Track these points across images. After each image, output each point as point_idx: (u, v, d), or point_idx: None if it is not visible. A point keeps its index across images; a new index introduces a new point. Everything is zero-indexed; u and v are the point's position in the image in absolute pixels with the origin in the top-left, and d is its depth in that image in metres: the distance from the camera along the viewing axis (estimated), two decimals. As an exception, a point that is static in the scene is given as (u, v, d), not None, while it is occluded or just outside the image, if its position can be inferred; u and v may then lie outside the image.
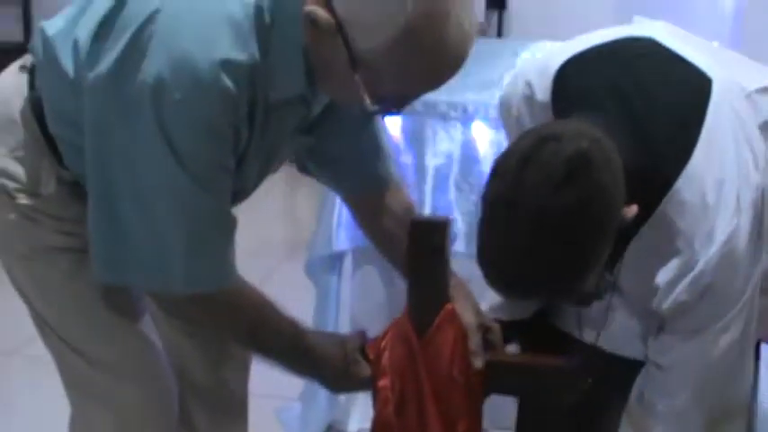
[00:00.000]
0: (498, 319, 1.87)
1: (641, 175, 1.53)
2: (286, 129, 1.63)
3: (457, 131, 2.67)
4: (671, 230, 1.58)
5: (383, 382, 1.73)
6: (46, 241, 1.68)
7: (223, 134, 1.46)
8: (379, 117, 1.84)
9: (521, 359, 1.84)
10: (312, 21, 1.41)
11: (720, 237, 1.55)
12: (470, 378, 1.71)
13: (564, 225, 1.44)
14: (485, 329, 1.75)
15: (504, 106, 1.87)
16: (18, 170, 1.66)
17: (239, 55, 1.42)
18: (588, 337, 1.88)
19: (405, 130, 2.73)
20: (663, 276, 1.61)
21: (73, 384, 1.78)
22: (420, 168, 2.72)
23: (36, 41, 1.61)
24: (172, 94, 1.39)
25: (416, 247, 1.72)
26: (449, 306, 1.73)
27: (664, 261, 1.60)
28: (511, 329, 1.91)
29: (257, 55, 1.44)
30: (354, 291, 2.81)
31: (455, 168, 2.68)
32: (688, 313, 1.61)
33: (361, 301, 2.79)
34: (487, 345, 1.74)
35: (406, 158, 2.74)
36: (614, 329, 1.85)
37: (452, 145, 2.69)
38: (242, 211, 1.63)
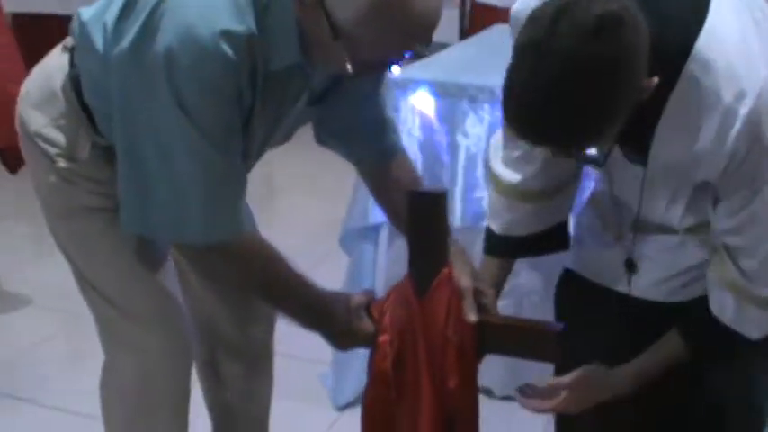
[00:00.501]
0: (514, 234, 2.00)
1: (662, 46, 1.56)
2: (288, 98, 1.80)
3: (485, 113, 2.80)
4: (700, 91, 1.60)
5: (383, 338, 1.87)
6: (82, 202, 1.88)
7: (227, 96, 1.64)
8: (382, 91, 2.00)
9: (509, 321, 1.96)
10: None
11: (755, 87, 1.58)
12: (463, 338, 1.85)
13: (589, 72, 1.47)
14: (479, 293, 1.87)
15: (517, 21, 1.89)
16: (58, 137, 1.87)
17: (237, 26, 1.60)
18: (629, 201, 1.90)
19: (438, 112, 2.88)
20: (706, 137, 1.62)
21: (104, 331, 1.99)
22: (453, 148, 2.86)
23: (74, 25, 1.81)
24: (180, 61, 1.59)
25: (415, 217, 1.86)
26: (446, 270, 1.86)
27: (698, 127, 1.62)
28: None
29: (254, 27, 1.62)
30: (390, 262, 2.93)
31: (484, 147, 2.81)
32: (741, 167, 1.62)
33: (396, 273, 2.93)
34: (481, 308, 1.86)
35: (440, 138, 2.89)
36: (652, 212, 1.88)
37: (481, 126, 2.83)
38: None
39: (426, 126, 2.89)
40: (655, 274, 1.94)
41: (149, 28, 1.62)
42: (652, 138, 1.69)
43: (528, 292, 2.87)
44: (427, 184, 2.72)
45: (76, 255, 1.96)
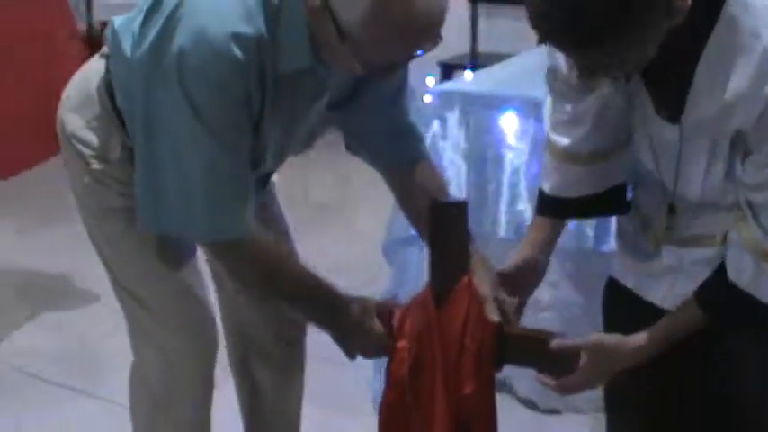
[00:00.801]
0: (563, 196, 1.99)
1: None
2: (302, 101, 1.84)
3: (529, 126, 2.82)
4: (739, 32, 1.58)
5: (402, 344, 1.91)
6: (112, 202, 1.96)
7: (236, 96, 1.70)
8: (404, 97, 2.03)
9: (527, 332, 1.98)
10: (307, 4, 1.64)
11: None
12: (481, 346, 1.88)
13: None
14: (500, 302, 1.89)
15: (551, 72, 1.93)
16: (92, 138, 1.95)
17: (247, 29, 1.66)
18: (666, 174, 1.86)
19: (484, 124, 2.90)
20: (743, 79, 1.59)
21: (132, 328, 2.06)
22: (497, 160, 2.88)
23: (108, 32, 1.89)
24: (191, 62, 1.65)
25: (436, 226, 1.90)
26: (465, 279, 1.90)
27: (736, 70, 1.59)
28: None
29: (264, 30, 1.68)
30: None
31: (527, 161, 2.83)
32: None
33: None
34: (503, 315, 1.88)
35: (485, 150, 2.91)
36: (689, 183, 1.83)
37: (526, 139, 2.84)
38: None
39: (472, 138, 2.91)
40: (691, 288, 1.89)
41: (167, 31, 1.69)
42: (689, 89, 1.67)
43: (569, 305, 2.88)
44: (470, 195, 2.76)
45: (107, 254, 2.04)
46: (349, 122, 2.02)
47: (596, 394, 2.69)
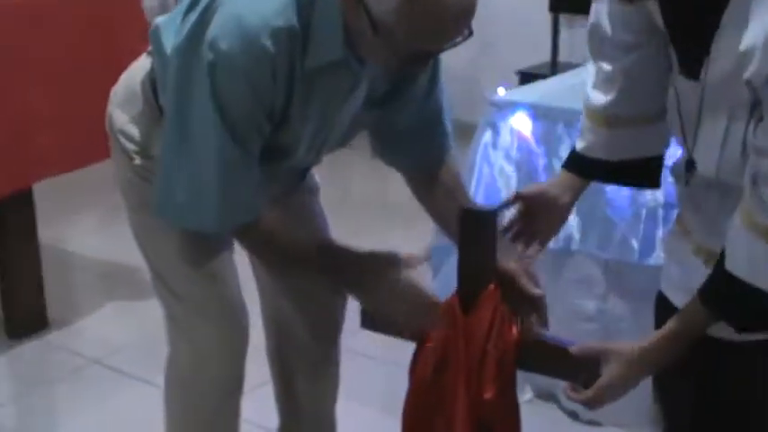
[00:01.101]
0: (592, 156, 2.01)
1: None
2: (336, 95, 1.88)
3: (579, 137, 2.83)
4: None
5: (429, 344, 1.95)
6: (149, 197, 2.00)
7: (259, 86, 1.75)
8: (436, 94, 2.08)
9: (550, 340, 1.99)
10: None
11: None
12: (505, 353, 1.91)
13: None
14: (535, 308, 1.93)
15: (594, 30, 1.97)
16: (136, 134, 2.02)
17: (279, 21, 1.71)
18: (689, 141, 1.84)
19: (535, 134, 2.92)
20: (758, 23, 1.56)
21: (167, 319, 2.14)
22: (548, 170, 2.90)
23: (151, 31, 1.96)
24: (221, 50, 1.71)
25: (465, 233, 1.93)
26: (492, 287, 1.93)
27: (758, 18, 1.57)
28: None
29: (296, 22, 1.72)
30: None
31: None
32: None
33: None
34: (526, 326, 1.91)
35: (537, 160, 2.93)
36: (707, 149, 1.79)
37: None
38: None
39: (524, 147, 2.94)
40: None
41: (203, 21, 1.75)
42: (712, 42, 1.66)
43: (616, 319, 2.88)
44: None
45: (146, 246, 2.11)
46: (383, 122, 2.06)
47: (637, 408, 2.71)
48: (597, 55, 1.97)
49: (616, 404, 2.72)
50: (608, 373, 1.78)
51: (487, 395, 1.89)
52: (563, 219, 2.14)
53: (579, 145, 2.06)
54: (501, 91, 3.32)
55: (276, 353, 2.38)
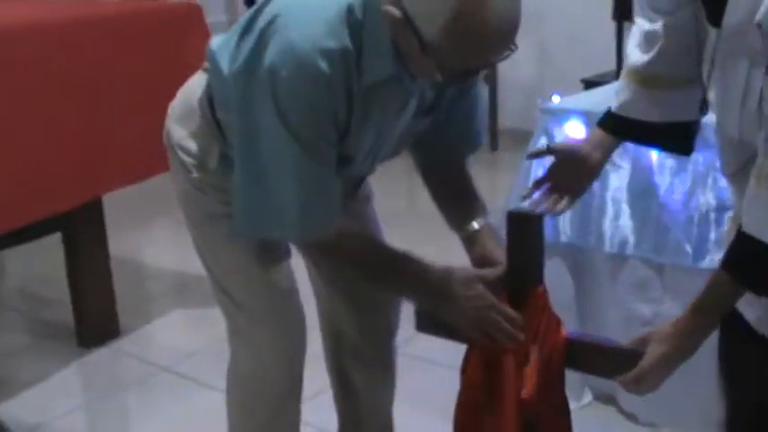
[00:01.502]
0: (625, 115, 2.05)
1: None
2: (389, 109, 1.93)
3: (630, 145, 2.84)
4: None
5: (479, 345, 1.98)
6: (211, 209, 2.10)
7: (322, 107, 1.81)
8: (476, 96, 2.15)
9: (596, 340, 2.03)
10: (388, 17, 1.74)
11: None
12: (550, 355, 1.95)
13: None
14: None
15: None
16: (194, 148, 2.09)
17: (333, 44, 1.77)
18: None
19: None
20: None
21: (228, 325, 2.21)
22: (602, 177, 2.87)
23: (207, 50, 2.04)
24: (281, 75, 1.77)
25: (512, 236, 1.98)
26: (539, 289, 1.97)
27: None
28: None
29: (349, 44, 1.79)
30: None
31: (628, 181, 2.91)
32: None
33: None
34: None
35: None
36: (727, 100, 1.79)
37: (627, 157, 2.90)
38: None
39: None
40: None
41: (260, 46, 1.82)
42: None
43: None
44: (575, 210, 2.81)
45: (208, 258, 2.19)
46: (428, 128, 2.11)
47: (695, 411, 2.73)
48: (642, 12, 2.01)
49: (674, 407, 2.75)
50: (648, 353, 1.80)
51: (529, 394, 1.92)
52: (594, 175, 2.18)
53: (615, 104, 2.10)
54: (556, 99, 3.36)
55: (333, 356, 2.44)
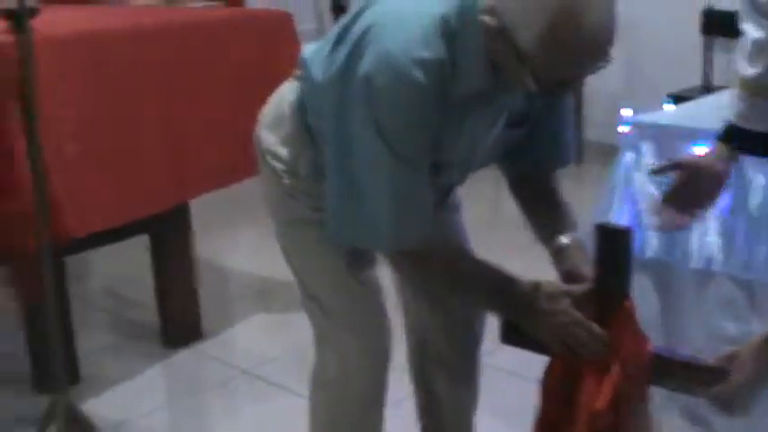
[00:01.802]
0: (743, 126, 2.03)
1: None
2: (482, 120, 1.95)
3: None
4: None
5: (561, 358, 1.98)
6: (301, 214, 2.13)
7: (417, 116, 1.83)
8: (567, 109, 2.15)
9: (679, 357, 2.01)
10: (484, 27, 1.75)
11: None
12: (636, 371, 1.93)
13: None
14: None
15: None
16: (284, 154, 2.12)
17: (428, 54, 1.79)
18: None
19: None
20: None
21: (315, 331, 2.23)
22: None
23: (301, 57, 2.06)
24: (377, 84, 1.79)
25: (601, 250, 1.97)
26: (626, 304, 1.96)
27: None
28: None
29: (444, 54, 1.80)
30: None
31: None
32: None
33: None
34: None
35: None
36: None
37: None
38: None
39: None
40: None
41: (355, 55, 1.84)
42: None
43: (758, 340, 2.84)
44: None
45: (297, 263, 2.21)
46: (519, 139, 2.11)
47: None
48: (751, 22, 2.00)
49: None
50: (737, 370, 1.79)
51: (602, 405, 1.90)
52: (721, 185, 2.18)
53: (731, 115, 2.09)
54: (626, 112, 3.33)
55: (417, 365, 2.45)
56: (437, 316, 2.36)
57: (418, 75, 1.78)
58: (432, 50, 1.79)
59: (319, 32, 6.42)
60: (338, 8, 6.07)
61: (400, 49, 1.79)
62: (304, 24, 5.82)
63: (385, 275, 2.26)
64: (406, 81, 1.79)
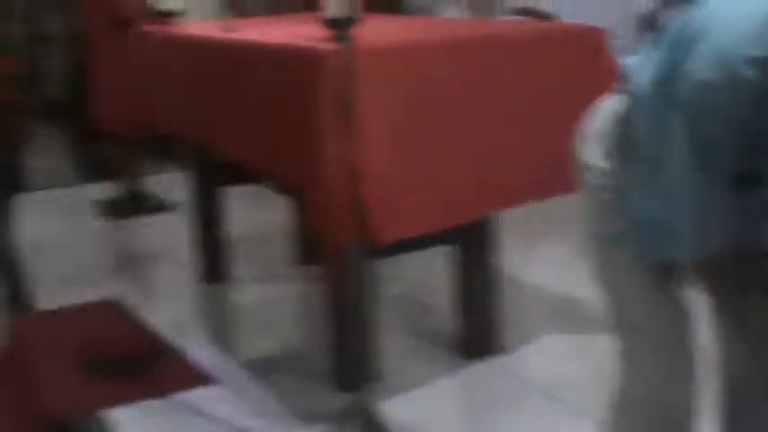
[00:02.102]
0: None
1: None
2: None
3: None
4: None
5: None
6: (618, 231, 2.07)
7: (738, 118, 1.76)
8: None
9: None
10: None
11: None
12: None
13: None
14: None
15: None
16: (606, 169, 2.09)
17: (760, 51, 1.71)
18: None
19: None
20: None
21: (622, 350, 2.20)
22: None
23: (623, 69, 2.02)
24: (699, 77, 1.74)
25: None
26: None
27: None
28: None
29: None
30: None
31: None
32: None
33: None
34: None
35: None
36: None
37: None
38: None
39: None
40: None
41: (682, 57, 1.79)
42: None
43: None
44: None
45: (608, 279, 2.18)
46: None
47: None
48: None
49: None
50: None
51: None
52: None
53: None
54: None
55: (730, 414, 2.34)
56: (755, 356, 2.25)
57: (749, 73, 1.72)
58: (763, 47, 1.72)
59: (630, 47, 6.29)
60: (650, 24, 5.94)
61: (732, 47, 1.73)
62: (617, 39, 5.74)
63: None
64: (734, 79, 1.73)
